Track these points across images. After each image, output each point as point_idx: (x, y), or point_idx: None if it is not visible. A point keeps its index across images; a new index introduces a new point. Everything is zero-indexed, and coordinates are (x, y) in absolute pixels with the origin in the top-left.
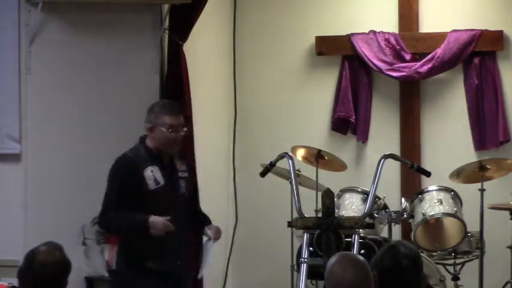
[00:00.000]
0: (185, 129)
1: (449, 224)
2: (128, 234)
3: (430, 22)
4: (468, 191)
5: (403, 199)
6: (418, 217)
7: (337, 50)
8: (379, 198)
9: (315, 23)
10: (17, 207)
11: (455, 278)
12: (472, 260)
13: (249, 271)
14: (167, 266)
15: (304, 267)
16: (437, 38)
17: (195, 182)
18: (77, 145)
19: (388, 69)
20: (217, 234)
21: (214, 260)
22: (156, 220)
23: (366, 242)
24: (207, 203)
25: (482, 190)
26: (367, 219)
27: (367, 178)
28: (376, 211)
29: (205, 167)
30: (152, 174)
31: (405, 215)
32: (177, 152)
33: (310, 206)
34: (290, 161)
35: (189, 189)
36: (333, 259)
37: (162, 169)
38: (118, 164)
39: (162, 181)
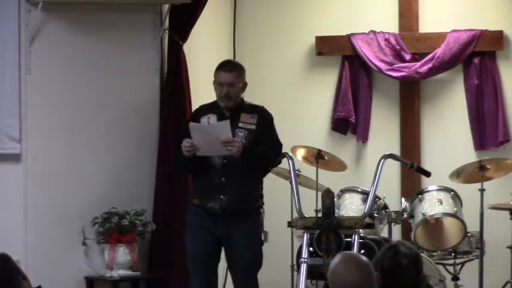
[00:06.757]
0: (232, 88)
1: (449, 224)
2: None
3: (430, 22)
4: (468, 191)
5: (403, 199)
6: (418, 217)
7: (337, 50)
8: (379, 198)
9: (315, 23)
10: (17, 207)
11: (455, 278)
12: (472, 260)
13: None
14: None
15: (304, 267)
16: (437, 38)
17: (265, 134)
18: (76, 145)
19: (388, 69)
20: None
21: None
22: None
23: (366, 242)
24: None
25: (482, 190)
26: (367, 219)
27: (367, 178)
28: (376, 211)
29: None
30: (207, 121)
31: (405, 215)
32: (231, 105)
33: (310, 206)
34: (290, 161)
35: (248, 139)
36: (335, 258)
37: (220, 118)
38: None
39: None
